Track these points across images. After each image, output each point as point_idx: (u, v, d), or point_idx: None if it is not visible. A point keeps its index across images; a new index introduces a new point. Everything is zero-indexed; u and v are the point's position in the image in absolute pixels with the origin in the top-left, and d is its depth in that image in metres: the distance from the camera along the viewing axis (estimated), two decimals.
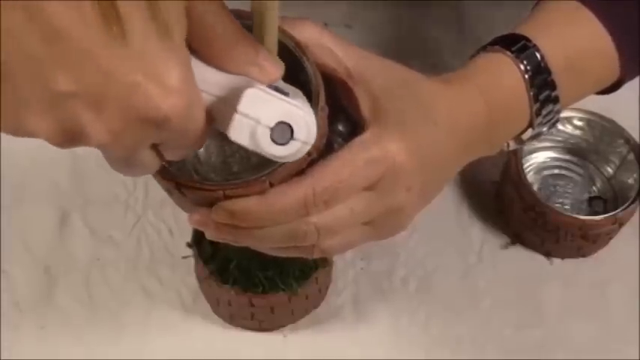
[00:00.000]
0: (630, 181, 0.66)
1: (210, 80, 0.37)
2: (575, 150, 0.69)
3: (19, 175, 0.68)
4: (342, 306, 0.63)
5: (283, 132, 0.38)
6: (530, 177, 0.67)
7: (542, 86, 0.49)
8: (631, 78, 0.54)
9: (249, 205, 0.41)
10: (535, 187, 0.66)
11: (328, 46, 0.45)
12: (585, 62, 0.51)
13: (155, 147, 0.36)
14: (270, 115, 0.37)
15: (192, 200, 0.43)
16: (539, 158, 0.70)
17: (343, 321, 0.63)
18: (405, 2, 0.80)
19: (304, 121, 0.38)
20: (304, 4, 0.61)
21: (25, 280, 0.64)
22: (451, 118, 0.47)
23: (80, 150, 0.34)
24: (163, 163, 0.39)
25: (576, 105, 0.57)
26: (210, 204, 0.42)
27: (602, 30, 0.51)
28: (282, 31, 0.42)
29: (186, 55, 0.34)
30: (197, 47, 0.36)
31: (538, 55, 0.49)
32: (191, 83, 0.34)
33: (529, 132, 0.51)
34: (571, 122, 0.68)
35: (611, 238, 0.65)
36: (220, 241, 0.45)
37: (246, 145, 0.37)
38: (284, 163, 0.40)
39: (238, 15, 0.38)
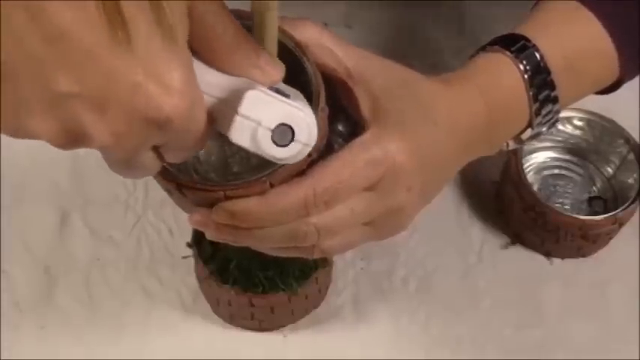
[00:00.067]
0: (630, 181, 0.66)
1: (212, 82, 0.37)
2: (575, 150, 0.69)
3: (19, 175, 0.68)
4: (342, 306, 0.63)
5: (284, 134, 0.38)
6: (530, 177, 0.67)
7: (542, 86, 0.49)
8: (630, 78, 0.54)
9: (249, 205, 0.41)
10: (535, 187, 0.66)
11: (328, 46, 0.45)
12: (584, 62, 0.51)
13: (156, 149, 0.36)
14: (271, 116, 0.37)
15: (193, 201, 0.43)
16: (539, 158, 0.70)
17: (343, 321, 0.63)
18: (405, 2, 0.80)
19: (305, 122, 0.38)
20: (304, 4, 0.61)
21: (25, 280, 0.64)
22: (451, 118, 0.47)
23: (80, 150, 0.34)
24: (164, 164, 0.39)
25: (576, 105, 0.57)
26: (211, 204, 0.42)
27: (601, 30, 0.51)
28: (282, 31, 0.42)
29: (188, 57, 0.34)
30: (198, 48, 0.36)
31: (537, 55, 0.49)
32: (193, 84, 0.34)
33: (528, 132, 0.51)
34: (571, 122, 0.68)
35: (611, 238, 0.65)
36: (220, 241, 0.45)
37: (247, 147, 0.37)
38: (284, 164, 0.40)
39: (238, 15, 0.38)
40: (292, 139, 0.38)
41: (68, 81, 0.31)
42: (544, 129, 0.52)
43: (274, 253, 0.47)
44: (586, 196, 0.68)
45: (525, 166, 0.67)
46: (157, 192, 0.51)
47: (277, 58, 0.39)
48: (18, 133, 0.33)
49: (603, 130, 0.67)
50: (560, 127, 0.67)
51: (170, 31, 0.33)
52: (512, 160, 0.64)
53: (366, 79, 0.45)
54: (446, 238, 0.67)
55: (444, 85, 0.48)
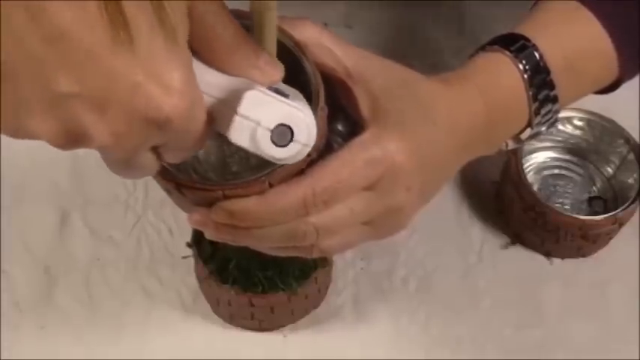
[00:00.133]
0: (630, 181, 0.66)
1: (211, 82, 0.37)
2: (575, 150, 0.69)
3: (19, 175, 0.68)
4: (342, 306, 0.63)
5: (283, 134, 0.38)
6: (530, 177, 0.67)
7: (541, 86, 0.49)
8: (630, 78, 0.54)
9: (248, 205, 0.41)
10: (535, 187, 0.66)
11: (327, 45, 0.45)
12: (584, 62, 0.51)
13: (155, 149, 0.36)
14: (270, 117, 0.37)
15: (192, 200, 0.43)
16: (539, 158, 0.70)
17: (343, 321, 0.63)
18: (405, 2, 0.80)
19: (304, 123, 0.38)
20: (304, 4, 0.61)
21: (25, 280, 0.64)
22: (450, 117, 0.47)
23: (80, 150, 0.34)
24: (163, 164, 0.39)
25: (576, 105, 0.57)
26: (210, 204, 0.42)
27: (601, 30, 0.51)
28: (281, 30, 0.42)
29: (188, 57, 0.34)
30: (198, 48, 0.36)
31: (537, 55, 0.49)
32: (193, 84, 0.34)
33: (528, 131, 0.51)
34: (571, 122, 0.68)
35: (611, 238, 0.65)
36: (220, 240, 0.45)
37: (247, 147, 0.37)
38: (283, 164, 0.40)
39: (238, 15, 0.38)
40: (291, 140, 0.38)
41: (68, 81, 0.31)
42: (543, 129, 0.52)
43: (273, 253, 0.47)
44: (586, 196, 0.68)
45: (525, 166, 0.67)
46: (157, 192, 0.51)
47: (277, 58, 0.39)
48: (18, 133, 0.33)
49: (603, 130, 0.67)
50: (560, 127, 0.67)
51: (172, 31, 0.33)
52: (512, 160, 0.64)
53: (366, 78, 0.45)
54: (446, 238, 0.67)
55: (444, 85, 0.48)
